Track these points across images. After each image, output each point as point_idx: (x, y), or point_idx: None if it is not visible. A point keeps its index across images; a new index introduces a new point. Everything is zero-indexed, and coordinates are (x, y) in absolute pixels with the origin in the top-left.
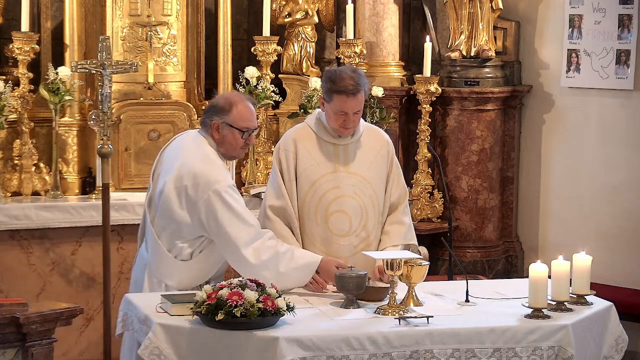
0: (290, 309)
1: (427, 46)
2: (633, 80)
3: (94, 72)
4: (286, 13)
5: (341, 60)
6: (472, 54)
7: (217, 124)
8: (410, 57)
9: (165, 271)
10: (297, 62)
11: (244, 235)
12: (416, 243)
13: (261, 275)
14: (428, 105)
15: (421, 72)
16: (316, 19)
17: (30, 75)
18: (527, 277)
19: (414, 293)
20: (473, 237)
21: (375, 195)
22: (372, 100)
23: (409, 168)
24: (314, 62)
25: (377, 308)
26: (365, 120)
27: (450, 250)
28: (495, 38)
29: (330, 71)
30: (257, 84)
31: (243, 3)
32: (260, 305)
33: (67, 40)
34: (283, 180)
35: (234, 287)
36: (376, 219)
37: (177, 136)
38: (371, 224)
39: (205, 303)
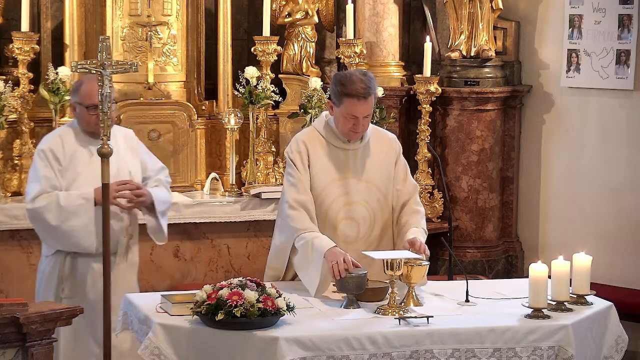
0: (290, 309)
1: (427, 46)
2: (633, 80)
3: (94, 72)
4: (286, 13)
5: (341, 61)
6: (472, 54)
7: (73, 105)
8: (410, 57)
9: None
10: (297, 62)
11: (31, 191)
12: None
13: (46, 217)
14: (428, 105)
15: (421, 72)
16: (316, 19)
17: (30, 75)
18: (527, 277)
19: (414, 293)
20: (473, 237)
21: (384, 198)
22: None
23: (409, 168)
24: (314, 62)
25: (377, 308)
26: None
27: (450, 250)
28: (495, 38)
29: (340, 74)
30: (257, 84)
31: (243, 3)
32: (260, 305)
33: (67, 40)
34: (303, 178)
35: (234, 287)
36: (384, 222)
37: None
38: (379, 229)
39: (205, 303)
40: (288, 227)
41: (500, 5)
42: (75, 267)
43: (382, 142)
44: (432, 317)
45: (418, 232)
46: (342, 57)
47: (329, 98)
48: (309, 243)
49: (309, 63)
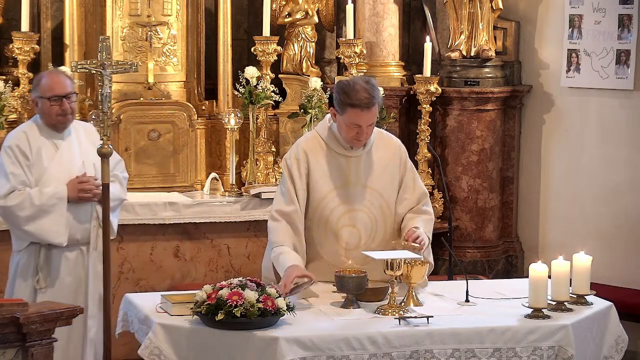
0: (290, 309)
1: (427, 46)
2: (633, 80)
3: (94, 72)
4: (286, 13)
5: (341, 61)
6: (472, 54)
7: (35, 100)
8: (410, 57)
9: None
10: (297, 62)
11: (1, 188)
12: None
13: (19, 215)
14: (428, 105)
15: (421, 72)
16: (316, 19)
17: (30, 75)
18: (527, 277)
19: (414, 293)
20: (473, 237)
21: (387, 205)
22: None
23: None
24: (314, 62)
25: (377, 308)
26: None
27: (450, 250)
28: (495, 38)
29: (343, 82)
30: (257, 84)
31: (243, 3)
32: (260, 305)
33: (67, 40)
34: (295, 187)
35: (234, 287)
36: (387, 229)
37: None
38: (381, 235)
39: (205, 303)
40: (269, 238)
41: (500, 5)
42: (50, 257)
43: (387, 147)
44: (432, 317)
45: (420, 231)
46: (342, 57)
47: (332, 105)
48: (277, 258)
49: (309, 63)
